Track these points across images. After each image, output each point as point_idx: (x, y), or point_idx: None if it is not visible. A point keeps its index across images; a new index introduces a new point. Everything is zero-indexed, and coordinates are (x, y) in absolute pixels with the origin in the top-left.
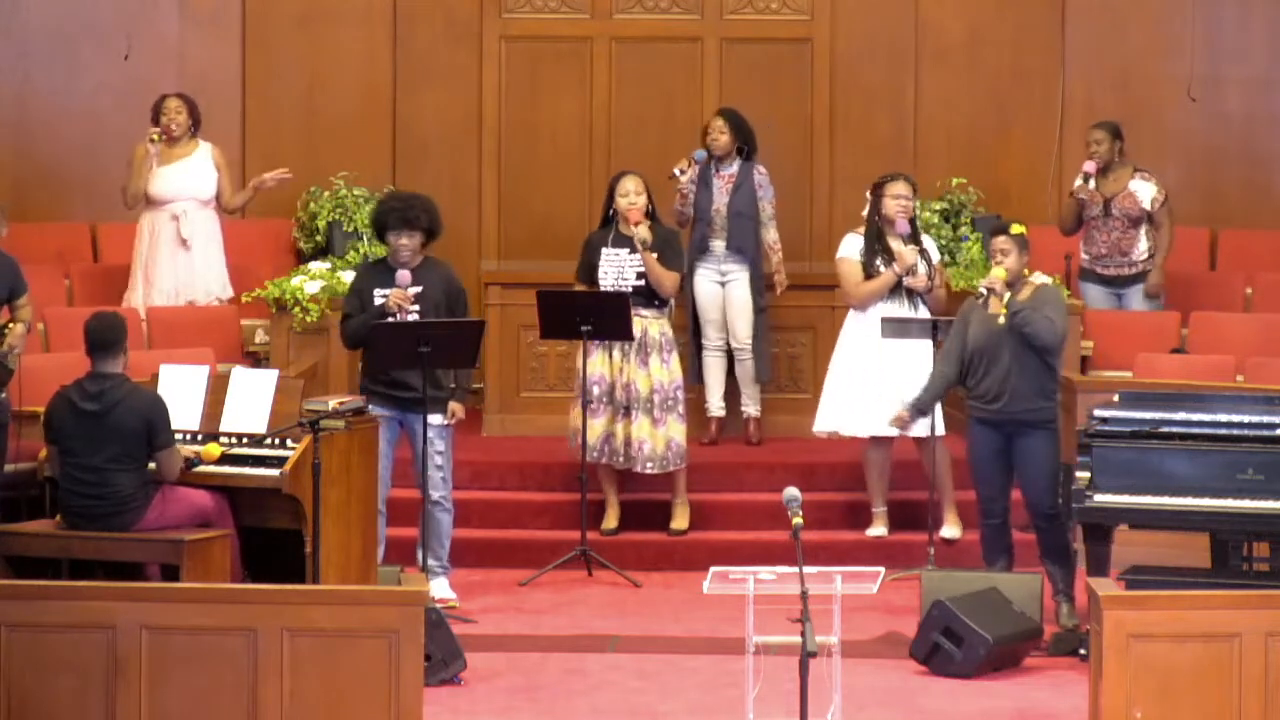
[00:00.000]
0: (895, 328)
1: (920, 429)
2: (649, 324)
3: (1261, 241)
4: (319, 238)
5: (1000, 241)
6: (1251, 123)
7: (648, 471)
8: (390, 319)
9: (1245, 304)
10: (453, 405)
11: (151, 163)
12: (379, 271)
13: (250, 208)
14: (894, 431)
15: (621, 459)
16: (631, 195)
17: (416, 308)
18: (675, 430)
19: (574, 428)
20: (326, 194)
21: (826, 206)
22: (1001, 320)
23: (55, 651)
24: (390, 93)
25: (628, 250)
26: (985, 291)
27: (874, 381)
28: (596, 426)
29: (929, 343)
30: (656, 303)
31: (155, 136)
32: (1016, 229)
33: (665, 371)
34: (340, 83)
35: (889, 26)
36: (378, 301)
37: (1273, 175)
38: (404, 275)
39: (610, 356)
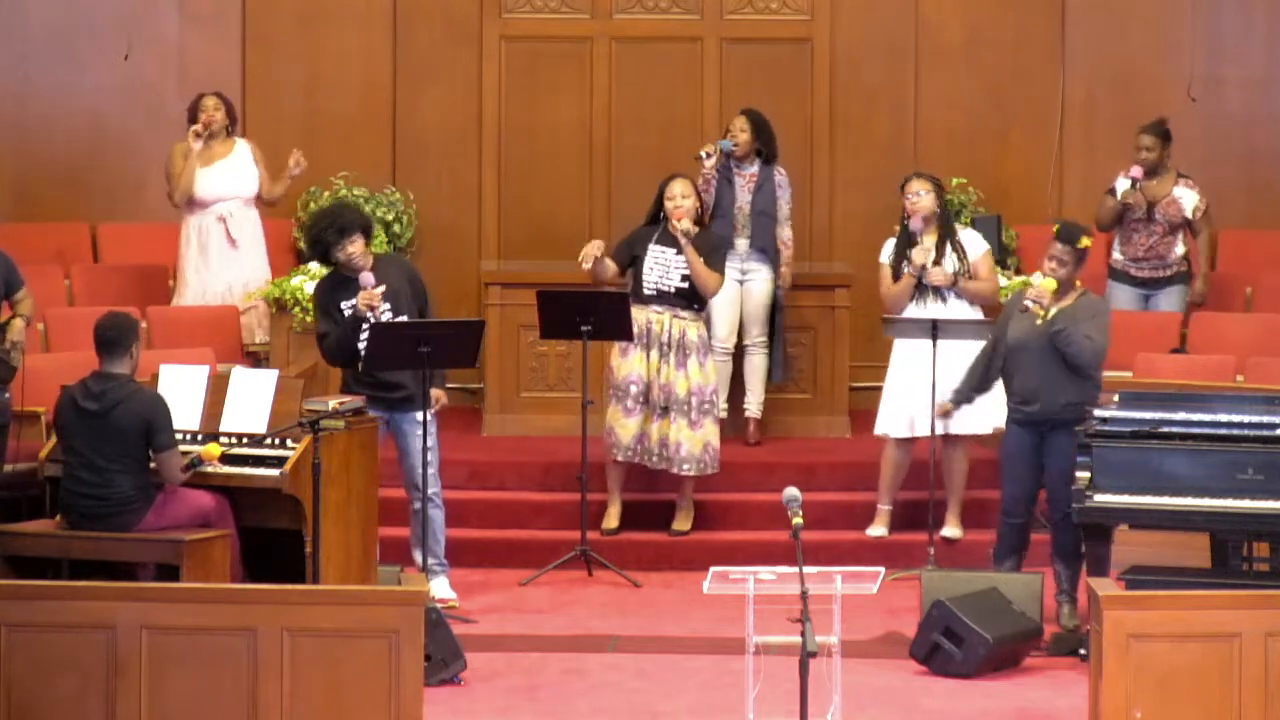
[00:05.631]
0: (898, 328)
1: (954, 427)
2: (688, 326)
3: (1261, 241)
4: None
5: (1061, 250)
6: (1251, 123)
7: (684, 473)
8: (368, 322)
9: (1245, 304)
10: (435, 393)
11: (194, 160)
12: (338, 284)
13: None
14: (920, 432)
15: (656, 459)
16: (678, 199)
17: (387, 305)
18: (711, 433)
19: (608, 427)
20: (326, 194)
21: (826, 207)
22: (1039, 323)
23: (55, 651)
24: (390, 93)
25: (675, 250)
26: (1029, 305)
27: (909, 383)
28: (630, 426)
29: (970, 344)
30: (696, 305)
31: (197, 131)
32: (1085, 242)
33: (702, 374)
34: (340, 82)
35: (889, 26)
36: (346, 311)
37: (1273, 175)
38: (367, 277)
39: (648, 357)
